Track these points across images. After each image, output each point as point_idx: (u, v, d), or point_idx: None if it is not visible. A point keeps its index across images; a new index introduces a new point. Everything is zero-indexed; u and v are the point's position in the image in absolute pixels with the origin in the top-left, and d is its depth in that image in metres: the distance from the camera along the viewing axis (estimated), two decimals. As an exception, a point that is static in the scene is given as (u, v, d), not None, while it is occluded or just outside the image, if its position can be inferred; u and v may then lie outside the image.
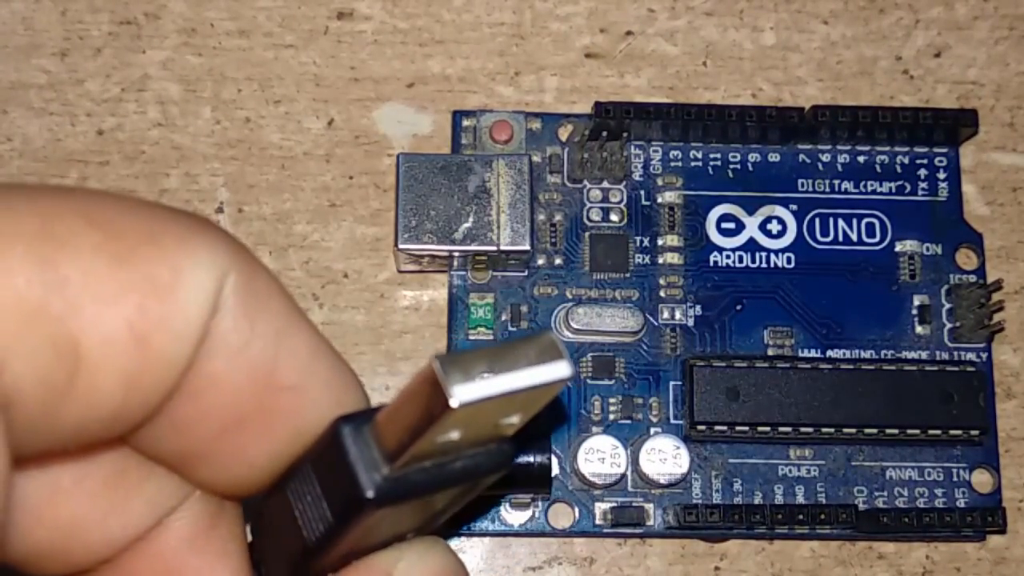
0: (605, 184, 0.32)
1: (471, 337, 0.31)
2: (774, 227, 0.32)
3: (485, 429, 0.18)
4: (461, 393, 0.16)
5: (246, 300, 0.17)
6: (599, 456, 0.30)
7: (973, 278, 0.32)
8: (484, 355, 0.17)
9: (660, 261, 0.32)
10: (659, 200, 0.32)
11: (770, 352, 0.31)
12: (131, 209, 0.17)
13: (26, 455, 0.16)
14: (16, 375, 0.15)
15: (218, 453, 0.18)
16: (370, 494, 0.18)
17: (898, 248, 0.32)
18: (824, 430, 0.30)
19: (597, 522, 0.30)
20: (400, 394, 0.17)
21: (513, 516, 0.30)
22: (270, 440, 0.18)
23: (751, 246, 0.32)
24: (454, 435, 0.18)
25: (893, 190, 0.33)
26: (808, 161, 0.33)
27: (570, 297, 0.32)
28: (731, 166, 0.32)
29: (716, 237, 0.32)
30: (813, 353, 0.31)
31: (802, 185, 0.32)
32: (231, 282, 0.17)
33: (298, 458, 0.19)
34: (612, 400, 0.31)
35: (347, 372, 0.19)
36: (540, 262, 0.32)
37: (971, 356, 0.32)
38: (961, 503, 0.31)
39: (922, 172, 0.33)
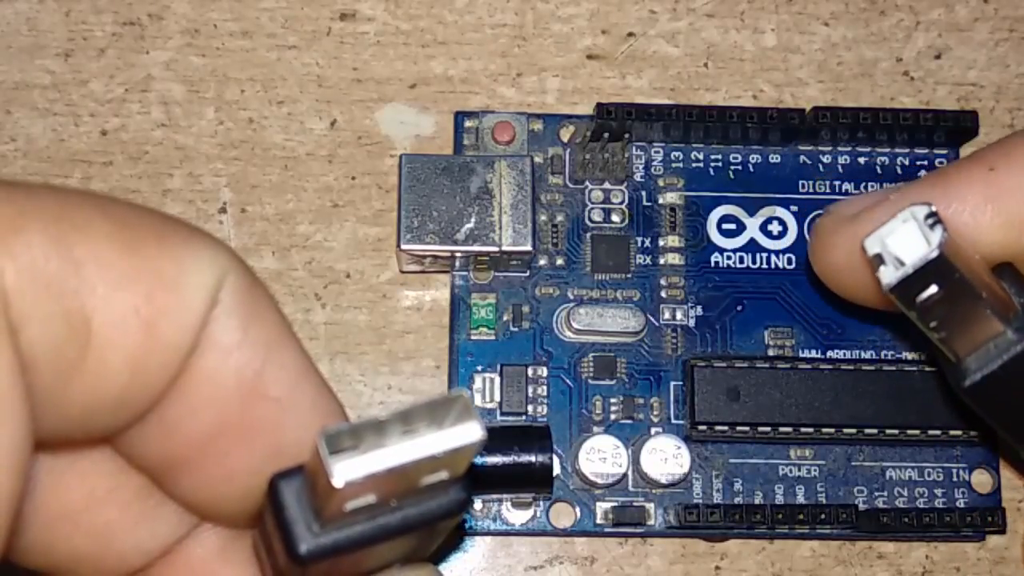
0: (607, 185, 0.32)
1: (473, 337, 0.31)
2: (775, 228, 0.32)
3: (408, 485, 0.17)
4: (343, 472, 0.16)
5: (242, 303, 0.18)
6: (600, 456, 0.30)
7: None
8: (376, 425, 0.16)
9: (661, 262, 0.32)
10: (660, 201, 0.32)
11: (771, 352, 0.32)
12: (141, 210, 0.18)
13: (37, 435, 0.16)
14: (31, 340, 0.16)
15: (200, 461, 0.19)
16: (303, 550, 0.17)
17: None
18: (824, 430, 0.30)
19: (598, 521, 0.31)
20: (310, 457, 0.17)
21: (514, 515, 0.31)
22: (251, 452, 0.19)
23: (752, 247, 0.32)
24: (368, 499, 0.17)
25: (893, 191, 0.33)
26: (809, 162, 0.33)
27: (572, 297, 0.32)
28: (732, 167, 0.33)
29: (717, 238, 0.32)
30: (813, 353, 0.32)
31: (803, 186, 0.33)
32: (229, 284, 0.18)
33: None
34: (613, 400, 0.31)
35: (333, 399, 0.20)
36: (542, 262, 0.32)
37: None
38: (961, 503, 0.31)
39: (923, 173, 0.33)
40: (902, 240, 0.22)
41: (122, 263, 0.17)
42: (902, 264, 0.22)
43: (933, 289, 0.23)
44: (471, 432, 0.17)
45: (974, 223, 0.24)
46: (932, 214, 0.22)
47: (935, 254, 0.22)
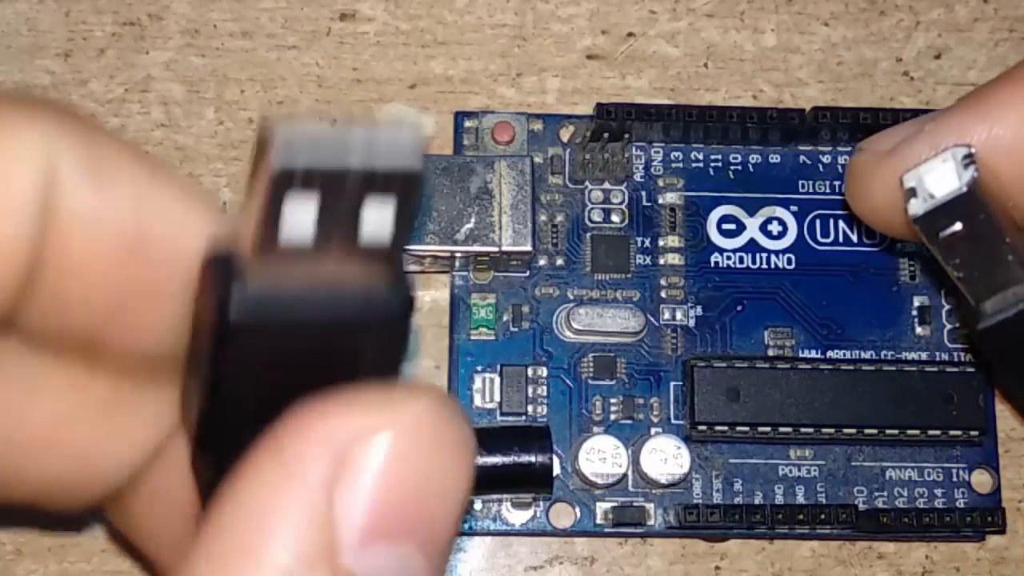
0: (606, 185, 0.32)
1: (473, 338, 0.31)
2: (775, 228, 0.32)
3: (348, 208, 0.16)
4: (287, 136, 0.15)
5: (89, 172, 0.17)
6: (600, 456, 0.30)
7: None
8: (325, 120, 0.15)
9: (661, 262, 0.32)
10: (660, 201, 0.32)
11: (770, 352, 0.31)
12: None
13: None
14: None
15: (120, 324, 0.18)
16: (234, 310, 0.16)
17: (898, 249, 0.32)
18: (824, 430, 0.30)
19: (598, 522, 0.31)
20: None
21: (514, 516, 0.31)
22: (164, 298, 0.18)
23: (752, 247, 0.32)
24: (303, 227, 0.16)
25: (893, 191, 0.33)
26: (809, 162, 0.33)
27: (571, 298, 0.32)
28: (732, 167, 0.33)
29: (717, 238, 0.32)
30: (813, 354, 0.32)
31: (803, 186, 0.33)
32: (68, 158, 0.17)
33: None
34: (613, 400, 0.31)
35: (217, 208, 0.19)
36: (542, 263, 0.32)
37: (971, 357, 0.32)
38: (961, 503, 0.31)
39: (922, 173, 0.33)
40: (937, 177, 0.23)
41: None
42: (932, 198, 0.23)
43: (958, 226, 0.23)
44: (415, 133, 0.16)
45: (1017, 144, 0.24)
46: (969, 155, 0.23)
47: (963, 190, 0.23)
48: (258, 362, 0.17)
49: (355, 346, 0.17)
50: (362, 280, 0.17)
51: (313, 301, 0.17)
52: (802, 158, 0.33)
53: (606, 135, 0.32)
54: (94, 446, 0.19)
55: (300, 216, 0.16)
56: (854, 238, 0.32)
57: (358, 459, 0.16)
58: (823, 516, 0.29)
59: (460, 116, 0.32)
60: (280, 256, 0.16)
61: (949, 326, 0.32)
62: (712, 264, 0.32)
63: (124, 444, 0.20)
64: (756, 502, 0.31)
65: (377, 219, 0.16)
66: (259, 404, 0.17)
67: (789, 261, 0.32)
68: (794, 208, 0.32)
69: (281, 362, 0.17)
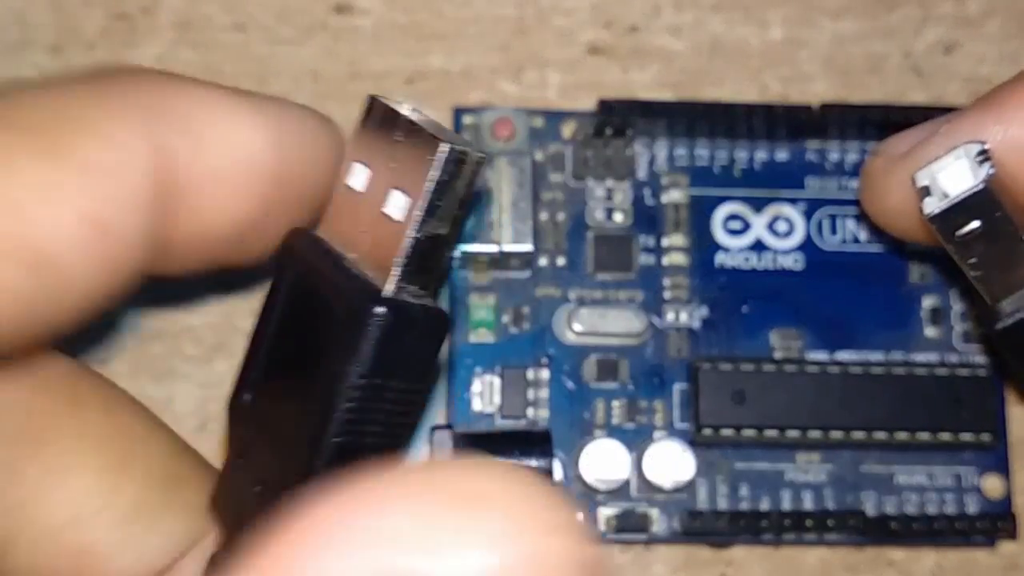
0: (609, 182, 0.32)
1: (472, 339, 0.31)
2: (781, 227, 0.32)
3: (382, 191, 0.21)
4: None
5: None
6: (602, 461, 0.30)
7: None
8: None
9: (665, 262, 0.31)
10: (664, 199, 0.32)
11: (777, 354, 0.31)
12: None
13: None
14: None
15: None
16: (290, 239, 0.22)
17: (908, 248, 0.32)
18: (832, 434, 0.30)
19: (600, 528, 0.30)
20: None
21: (515, 521, 0.30)
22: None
23: (758, 246, 0.32)
24: (361, 173, 0.21)
25: (903, 189, 0.32)
26: (816, 159, 0.32)
27: (573, 298, 0.31)
28: (738, 164, 0.32)
29: (722, 237, 0.32)
30: (821, 355, 0.31)
31: (810, 184, 0.32)
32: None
33: None
34: (616, 403, 0.31)
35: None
36: (542, 262, 0.31)
37: (982, 359, 0.31)
38: (971, 509, 0.31)
39: (932, 171, 0.32)
40: (951, 175, 0.23)
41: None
42: (947, 196, 0.23)
43: (974, 224, 0.23)
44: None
45: None
46: (983, 151, 0.23)
47: (980, 187, 0.23)
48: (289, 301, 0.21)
49: (332, 327, 0.20)
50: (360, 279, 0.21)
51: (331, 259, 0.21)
52: (809, 155, 0.32)
53: (609, 131, 0.31)
54: (105, 549, 0.19)
55: (357, 175, 0.21)
56: (863, 237, 0.32)
57: None
58: (831, 522, 0.29)
59: (459, 112, 0.32)
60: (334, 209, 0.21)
61: (960, 327, 0.31)
62: (717, 264, 0.31)
63: (134, 555, 0.20)
64: (762, 508, 0.30)
65: (397, 200, 0.21)
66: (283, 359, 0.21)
67: (796, 261, 0.32)
68: (801, 206, 0.32)
69: (299, 314, 0.21)
